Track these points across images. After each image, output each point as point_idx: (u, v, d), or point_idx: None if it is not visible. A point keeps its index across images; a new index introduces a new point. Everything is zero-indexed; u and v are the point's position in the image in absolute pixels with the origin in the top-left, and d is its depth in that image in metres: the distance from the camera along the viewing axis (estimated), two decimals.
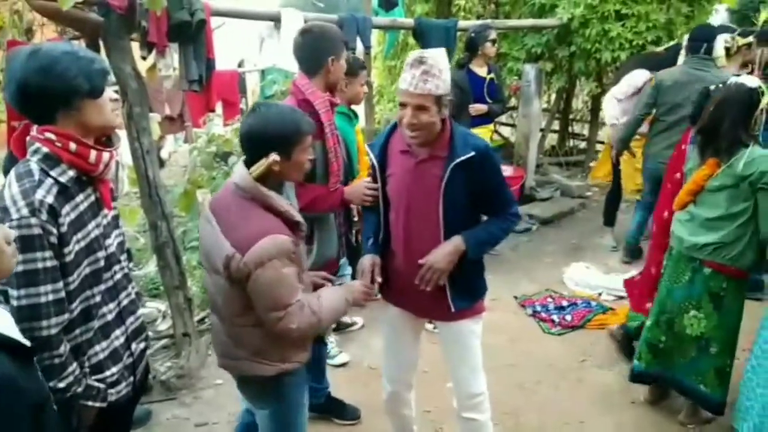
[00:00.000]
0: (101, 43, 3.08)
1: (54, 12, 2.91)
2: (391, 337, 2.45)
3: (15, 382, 1.15)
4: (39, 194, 1.56)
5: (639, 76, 4.64)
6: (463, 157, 2.02)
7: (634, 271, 4.59)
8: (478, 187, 2.08)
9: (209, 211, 1.90)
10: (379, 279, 2.18)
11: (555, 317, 4.05)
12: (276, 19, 4.24)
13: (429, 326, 2.53)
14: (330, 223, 2.64)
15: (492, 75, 4.73)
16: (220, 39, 4.06)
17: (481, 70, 4.69)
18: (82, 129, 1.66)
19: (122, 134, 2.74)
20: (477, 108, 4.62)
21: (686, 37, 4.48)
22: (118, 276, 1.84)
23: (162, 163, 6.89)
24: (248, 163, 1.85)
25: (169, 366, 3.38)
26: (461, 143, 2.05)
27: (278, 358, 1.90)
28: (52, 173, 1.61)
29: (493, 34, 4.67)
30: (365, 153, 2.52)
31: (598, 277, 4.59)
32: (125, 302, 1.88)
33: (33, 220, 1.53)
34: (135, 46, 3.20)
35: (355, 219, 3.03)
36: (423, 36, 5.08)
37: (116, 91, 2.98)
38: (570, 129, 8.11)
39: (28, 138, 1.66)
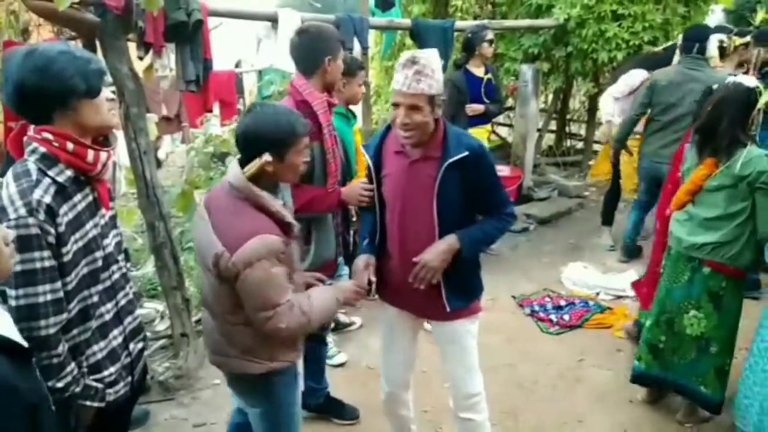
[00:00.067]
0: (98, 44, 3.07)
1: (50, 12, 2.90)
2: (389, 336, 2.45)
3: (11, 383, 1.15)
4: (37, 194, 1.56)
5: (637, 76, 4.66)
6: (456, 157, 2.02)
7: (631, 271, 4.62)
8: (472, 186, 2.08)
9: (203, 207, 1.91)
10: (373, 278, 2.18)
11: (553, 317, 4.06)
12: (273, 20, 4.24)
13: (427, 326, 2.53)
14: (328, 224, 2.63)
15: (489, 75, 4.73)
16: (217, 39, 4.06)
17: (478, 71, 4.70)
18: (79, 129, 1.66)
19: (119, 135, 2.74)
20: (474, 108, 4.63)
21: (680, 37, 4.50)
22: (116, 276, 1.84)
23: (159, 164, 6.89)
24: (243, 163, 1.85)
25: (167, 366, 3.38)
26: (454, 143, 2.05)
27: (267, 357, 1.91)
28: (50, 173, 1.61)
29: (490, 35, 4.68)
30: (363, 153, 2.52)
31: (596, 276, 4.60)
32: (123, 302, 1.88)
33: (31, 220, 1.53)
34: (132, 47, 3.20)
35: (354, 219, 3.03)
36: (420, 36, 5.08)
37: (113, 92, 2.98)
38: (567, 129, 8.12)
39: (25, 138, 1.66)
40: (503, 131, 8.30)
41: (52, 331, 1.59)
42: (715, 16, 6.28)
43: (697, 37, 4.19)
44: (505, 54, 6.58)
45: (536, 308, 4.19)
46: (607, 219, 5.32)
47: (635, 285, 3.84)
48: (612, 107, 4.92)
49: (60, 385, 1.62)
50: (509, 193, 5.42)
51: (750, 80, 2.67)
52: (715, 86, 2.81)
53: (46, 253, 1.56)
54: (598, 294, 4.41)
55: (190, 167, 4.98)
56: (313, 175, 2.49)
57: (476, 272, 2.30)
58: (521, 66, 6.21)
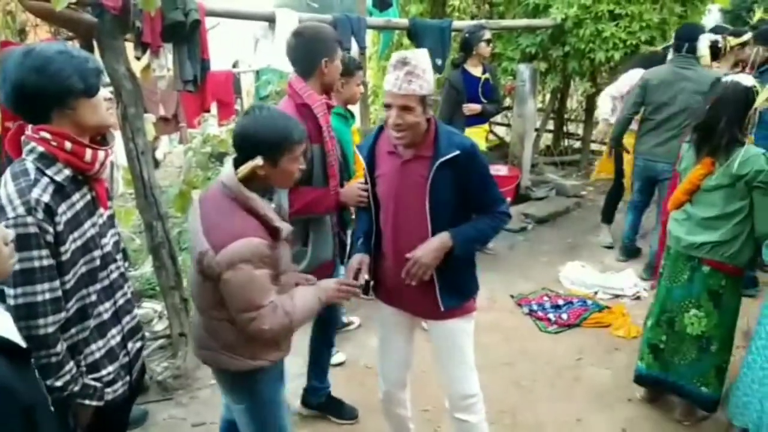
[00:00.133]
0: (95, 44, 3.07)
1: (47, 12, 2.90)
2: (385, 336, 2.46)
3: (8, 384, 1.15)
4: (35, 193, 1.56)
5: (635, 75, 4.67)
6: (447, 156, 2.03)
7: (630, 270, 4.63)
8: (464, 185, 2.09)
9: (197, 203, 1.92)
10: (366, 276, 2.19)
11: (551, 316, 4.07)
12: (270, 20, 4.24)
13: (425, 325, 2.54)
14: (325, 225, 2.63)
15: (487, 75, 4.74)
16: (214, 39, 4.06)
17: (475, 70, 4.71)
18: (77, 128, 1.66)
19: (117, 135, 2.74)
20: (471, 108, 4.64)
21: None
22: (114, 275, 1.84)
23: (157, 164, 6.90)
24: (238, 163, 1.86)
25: (165, 366, 3.38)
26: (446, 143, 2.06)
27: (249, 355, 1.91)
28: (48, 172, 1.61)
29: (487, 34, 4.69)
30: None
31: (594, 275, 4.61)
32: (121, 301, 1.88)
33: (29, 219, 1.53)
34: (129, 47, 3.19)
35: (353, 217, 3.04)
36: (417, 36, 5.09)
37: (111, 92, 2.98)
38: (565, 129, 8.14)
39: (23, 137, 1.66)
40: (501, 131, 8.31)
41: (50, 329, 1.59)
42: (711, 16, 6.32)
43: (687, 37, 4.21)
44: (502, 54, 6.59)
45: (534, 307, 4.19)
46: (608, 216, 5.34)
47: (654, 285, 3.83)
48: (608, 106, 4.94)
49: (58, 384, 1.63)
50: (507, 193, 5.48)
51: (747, 79, 2.67)
52: (724, 79, 2.78)
53: (45, 252, 1.56)
54: (596, 293, 4.42)
55: (187, 167, 4.98)
56: (312, 177, 2.49)
57: (470, 271, 2.30)
58: (519, 66, 6.22)
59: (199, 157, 5.11)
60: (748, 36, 4.47)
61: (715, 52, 4.42)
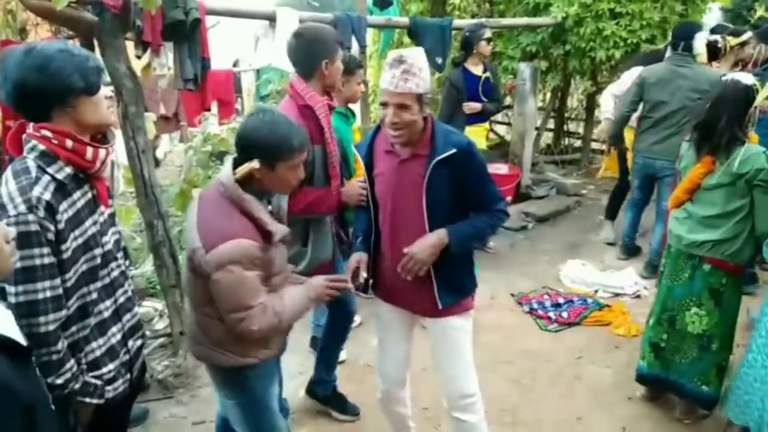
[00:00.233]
0: (96, 43, 3.07)
1: (48, 11, 2.90)
2: (383, 334, 2.46)
3: (8, 382, 1.15)
4: (36, 191, 1.56)
5: (637, 73, 4.66)
6: (444, 155, 2.03)
7: (630, 268, 4.63)
8: (461, 183, 2.09)
9: (197, 200, 1.93)
10: (365, 275, 2.20)
11: (551, 314, 4.07)
12: (271, 18, 4.24)
13: (425, 323, 2.54)
14: (326, 226, 2.65)
15: (488, 74, 4.75)
16: (215, 38, 4.06)
17: (476, 69, 4.71)
18: (78, 126, 1.66)
19: (117, 134, 2.74)
20: (471, 106, 4.64)
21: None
22: (115, 273, 1.85)
23: (158, 163, 6.90)
24: (237, 163, 1.86)
25: (166, 365, 3.38)
26: (442, 141, 2.06)
27: (238, 352, 1.92)
28: (49, 170, 1.61)
29: (488, 33, 4.69)
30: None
31: (594, 274, 4.61)
32: (122, 299, 1.88)
33: (30, 217, 1.54)
34: (130, 46, 3.19)
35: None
36: (418, 35, 5.08)
37: (112, 91, 2.99)
38: (565, 127, 8.15)
39: (24, 136, 1.66)
40: (501, 129, 8.31)
41: (51, 327, 1.59)
42: (712, 15, 6.31)
43: (683, 35, 4.22)
44: (503, 52, 6.59)
45: (535, 306, 4.20)
46: (611, 213, 5.36)
47: None
48: (610, 105, 4.95)
49: (59, 381, 1.63)
50: (507, 192, 5.48)
51: (748, 78, 2.67)
52: (724, 77, 2.78)
53: (46, 250, 1.57)
54: (596, 291, 4.42)
55: (188, 166, 4.97)
56: (314, 177, 2.50)
57: (468, 268, 2.30)
58: (519, 64, 6.22)
59: (200, 156, 5.11)
60: (747, 35, 4.47)
61: (715, 52, 4.42)
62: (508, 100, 7.39)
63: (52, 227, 1.57)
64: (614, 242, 5.23)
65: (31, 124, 1.66)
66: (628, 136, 4.71)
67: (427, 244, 2.08)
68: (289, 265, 2.19)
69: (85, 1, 2.96)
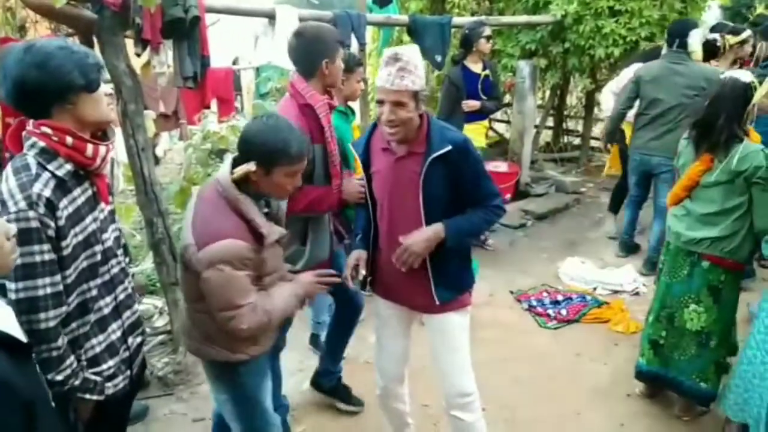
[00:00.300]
0: (95, 41, 3.07)
1: (47, 9, 2.90)
2: (381, 330, 2.47)
3: (8, 379, 1.15)
4: (36, 188, 1.57)
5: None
6: (440, 152, 2.04)
7: (629, 265, 4.64)
8: (457, 180, 2.10)
9: (196, 197, 1.95)
10: (363, 272, 2.21)
11: (550, 311, 4.08)
12: (271, 16, 4.24)
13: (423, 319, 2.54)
14: (324, 224, 2.65)
15: (487, 72, 4.75)
16: (214, 36, 4.05)
17: (475, 67, 4.71)
18: (78, 123, 1.66)
19: (117, 131, 2.74)
20: (470, 104, 4.64)
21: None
22: (115, 270, 1.85)
23: (157, 161, 6.90)
24: (237, 163, 1.87)
25: (166, 362, 3.39)
26: (438, 138, 2.07)
27: (228, 348, 1.94)
28: (50, 167, 1.62)
29: (487, 31, 4.69)
30: None
31: (593, 271, 4.62)
32: (122, 296, 1.89)
33: (31, 213, 1.54)
34: (129, 43, 3.20)
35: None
36: (417, 33, 5.09)
37: (111, 88, 2.98)
38: (564, 125, 8.14)
39: (24, 133, 1.66)
40: (501, 127, 8.31)
41: (51, 324, 1.60)
42: (711, 12, 6.31)
43: (677, 32, 4.23)
44: (502, 50, 6.59)
45: (534, 303, 4.20)
46: (614, 207, 5.38)
47: None
48: (611, 102, 4.96)
49: (59, 378, 1.63)
50: (506, 189, 5.49)
51: (746, 75, 2.67)
52: (722, 75, 2.78)
53: (46, 247, 1.57)
54: (595, 289, 4.43)
55: (188, 164, 4.96)
56: (314, 176, 2.50)
57: (465, 264, 2.31)
58: (518, 62, 6.22)
59: (199, 154, 5.09)
60: (747, 34, 4.48)
61: (714, 51, 4.43)
62: (507, 98, 7.39)
63: (52, 224, 1.58)
64: (616, 236, 5.24)
65: (31, 121, 1.66)
66: (629, 132, 4.72)
67: (423, 236, 2.10)
68: (286, 265, 2.20)
69: None
